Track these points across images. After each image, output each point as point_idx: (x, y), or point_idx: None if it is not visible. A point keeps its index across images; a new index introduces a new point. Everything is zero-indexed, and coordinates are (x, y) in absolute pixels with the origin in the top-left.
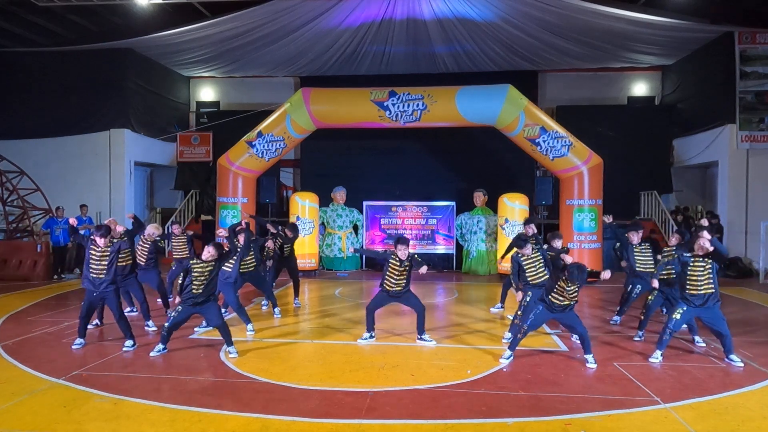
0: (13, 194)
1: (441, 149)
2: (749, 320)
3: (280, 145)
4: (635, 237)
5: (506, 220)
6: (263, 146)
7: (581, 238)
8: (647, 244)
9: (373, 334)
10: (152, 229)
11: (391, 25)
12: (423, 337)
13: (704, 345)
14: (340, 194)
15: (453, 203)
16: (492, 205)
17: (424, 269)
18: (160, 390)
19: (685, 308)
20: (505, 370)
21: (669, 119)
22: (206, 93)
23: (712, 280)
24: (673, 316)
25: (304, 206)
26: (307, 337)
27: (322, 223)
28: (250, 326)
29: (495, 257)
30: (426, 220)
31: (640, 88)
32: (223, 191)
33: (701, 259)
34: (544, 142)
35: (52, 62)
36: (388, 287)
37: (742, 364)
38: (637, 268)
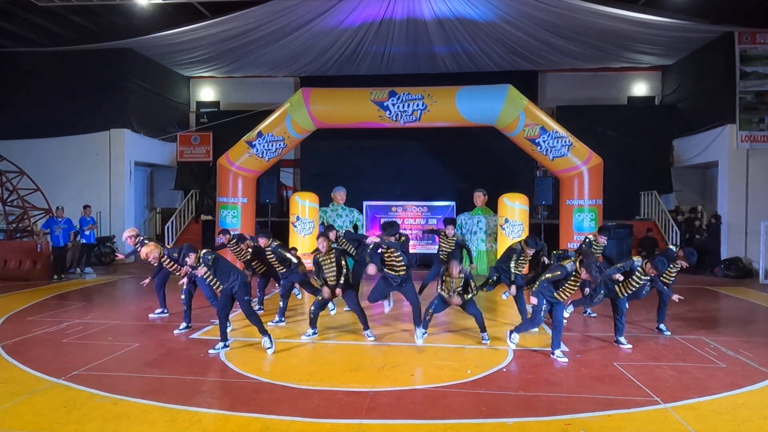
0: (13, 194)
1: (441, 149)
2: (749, 320)
3: (280, 145)
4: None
5: (506, 220)
6: (263, 146)
7: (581, 239)
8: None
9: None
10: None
11: (391, 25)
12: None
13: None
14: (340, 194)
15: (453, 203)
16: (492, 205)
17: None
18: (160, 390)
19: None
20: (505, 370)
21: (669, 119)
22: (206, 93)
23: None
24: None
25: (304, 206)
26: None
27: (322, 223)
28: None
29: (494, 257)
30: (426, 220)
31: (640, 88)
32: (223, 191)
33: None
34: (544, 142)
35: (52, 62)
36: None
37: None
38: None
